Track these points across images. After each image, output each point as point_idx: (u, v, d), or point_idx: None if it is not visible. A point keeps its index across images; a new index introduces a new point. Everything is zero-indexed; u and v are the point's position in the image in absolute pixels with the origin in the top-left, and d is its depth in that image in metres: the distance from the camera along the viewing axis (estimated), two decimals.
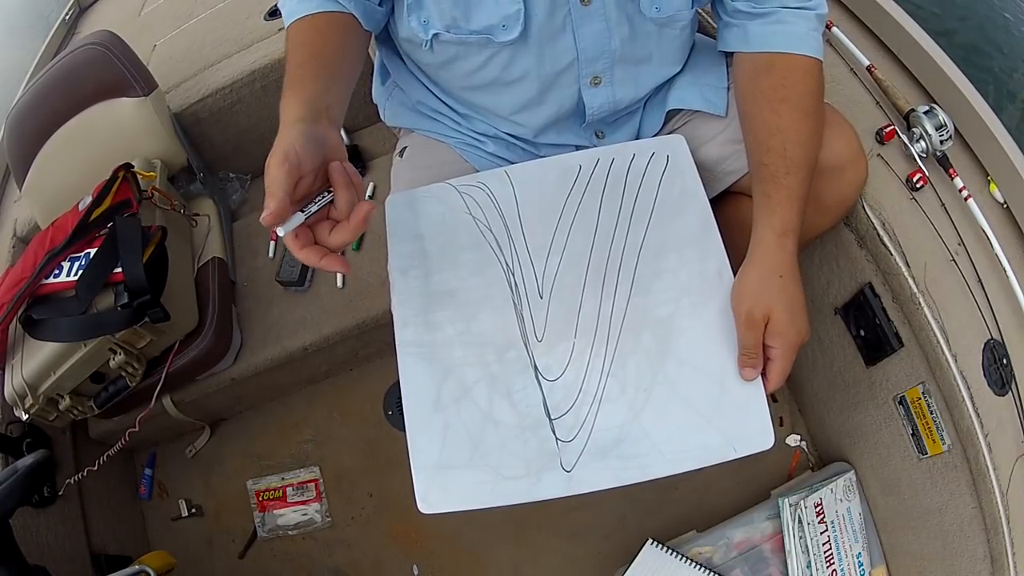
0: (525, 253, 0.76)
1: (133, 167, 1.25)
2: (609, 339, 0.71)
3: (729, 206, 0.90)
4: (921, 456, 0.95)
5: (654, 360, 0.70)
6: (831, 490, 1.08)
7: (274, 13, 1.51)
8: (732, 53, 0.83)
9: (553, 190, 0.80)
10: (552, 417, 0.68)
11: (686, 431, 0.67)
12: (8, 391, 1.17)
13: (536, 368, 0.70)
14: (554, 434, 0.67)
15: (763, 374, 0.69)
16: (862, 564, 1.05)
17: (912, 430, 0.95)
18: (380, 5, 0.78)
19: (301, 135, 0.60)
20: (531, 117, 0.86)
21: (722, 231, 0.76)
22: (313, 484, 1.43)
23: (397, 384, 0.72)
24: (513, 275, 0.75)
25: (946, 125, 0.88)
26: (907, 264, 0.86)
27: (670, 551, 1.06)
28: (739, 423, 0.67)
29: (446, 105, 0.92)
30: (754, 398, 0.68)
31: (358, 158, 1.49)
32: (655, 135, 0.92)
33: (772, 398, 1.26)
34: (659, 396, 0.68)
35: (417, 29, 0.76)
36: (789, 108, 0.74)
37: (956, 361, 0.82)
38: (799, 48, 0.76)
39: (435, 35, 0.76)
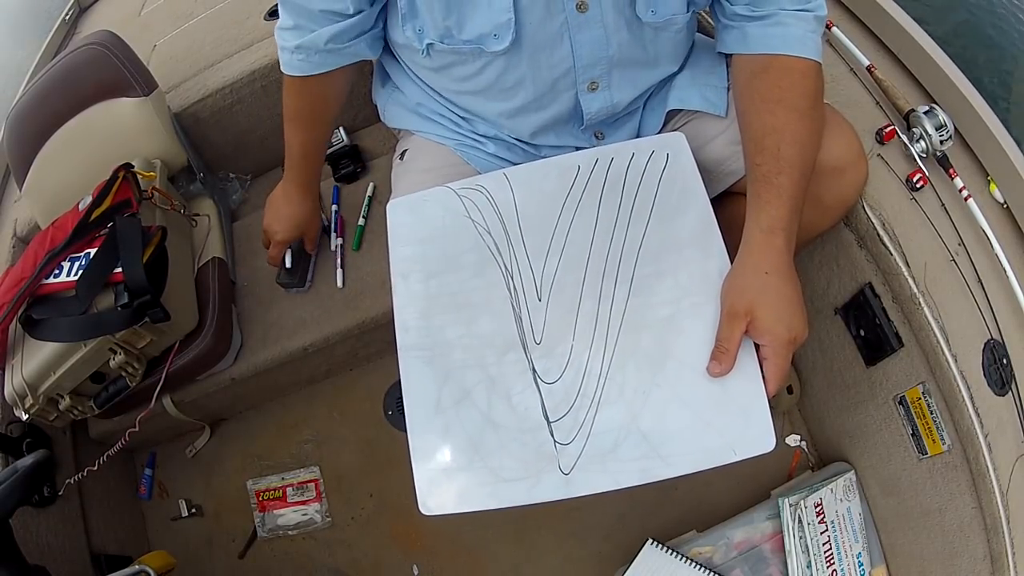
0: (524, 256, 0.76)
1: (133, 167, 1.25)
2: (608, 341, 0.70)
3: (730, 206, 0.90)
4: (921, 456, 0.95)
5: (653, 362, 0.69)
6: (831, 490, 1.08)
7: (274, 13, 1.51)
8: (731, 54, 0.83)
9: (552, 191, 0.80)
10: (550, 420, 0.68)
11: (686, 434, 0.66)
12: (8, 391, 1.17)
13: (534, 371, 0.70)
14: (552, 437, 0.67)
15: (763, 375, 0.68)
16: (862, 564, 1.05)
17: (912, 430, 0.96)
18: (372, 28, 0.83)
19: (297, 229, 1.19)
20: (529, 121, 0.86)
21: (722, 231, 0.76)
22: (313, 484, 1.43)
23: (397, 384, 0.72)
24: (512, 278, 0.75)
25: (946, 125, 0.88)
26: (907, 264, 0.86)
27: (670, 551, 1.06)
28: (740, 425, 0.66)
29: (446, 107, 0.92)
30: (755, 400, 0.66)
31: (358, 158, 1.49)
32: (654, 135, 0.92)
33: (788, 390, 1.25)
34: (658, 398, 0.67)
35: (412, 38, 0.77)
36: (785, 109, 0.74)
37: (956, 361, 0.82)
38: (796, 50, 0.76)
39: (429, 44, 0.77)
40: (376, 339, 1.40)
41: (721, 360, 0.67)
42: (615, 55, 0.79)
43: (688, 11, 0.79)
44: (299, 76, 0.87)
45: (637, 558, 1.06)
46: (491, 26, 0.73)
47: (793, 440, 1.26)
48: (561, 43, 0.76)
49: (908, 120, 0.92)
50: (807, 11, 0.77)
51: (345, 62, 0.85)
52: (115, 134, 1.33)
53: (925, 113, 0.89)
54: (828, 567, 1.04)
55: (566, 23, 0.74)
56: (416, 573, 1.31)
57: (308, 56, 0.84)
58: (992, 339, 0.83)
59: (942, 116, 0.88)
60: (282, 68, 0.88)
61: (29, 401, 1.15)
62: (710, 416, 0.66)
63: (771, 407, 0.67)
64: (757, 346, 0.69)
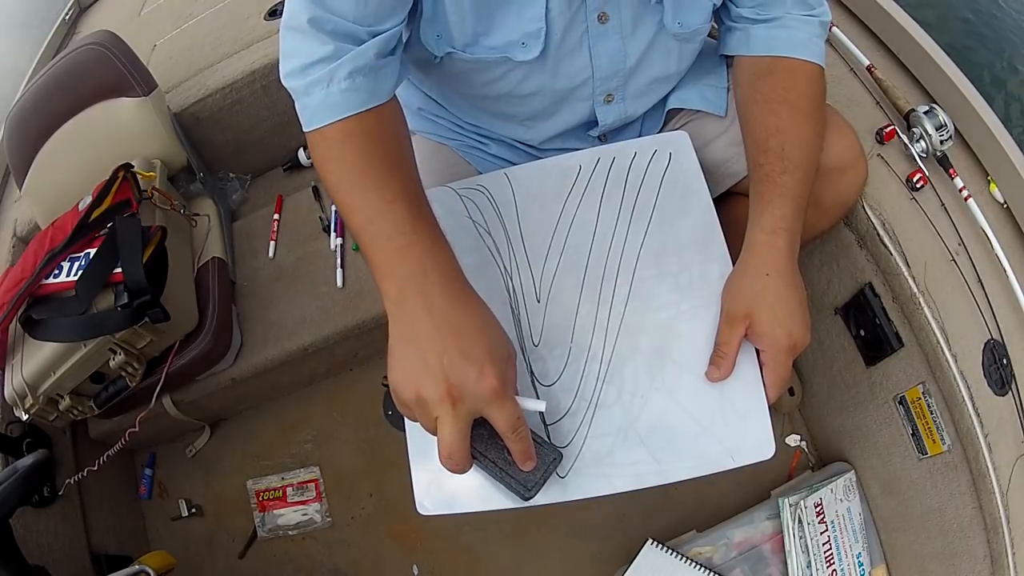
0: (523, 257, 0.75)
1: (133, 167, 1.25)
2: (606, 344, 0.69)
3: (731, 207, 0.90)
4: (921, 456, 0.95)
5: (652, 365, 0.68)
6: (831, 490, 1.08)
7: (274, 13, 1.51)
8: (732, 56, 0.82)
9: (553, 192, 0.79)
10: (547, 423, 0.67)
11: (683, 439, 0.65)
12: (8, 391, 1.17)
13: (532, 373, 0.69)
14: (549, 440, 0.66)
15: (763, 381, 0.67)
16: (862, 564, 1.05)
17: (912, 430, 0.95)
18: (393, 52, 0.68)
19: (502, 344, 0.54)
20: (540, 127, 0.86)
21: (723, 232, 0.75)
22: (313, 484, 1.43)
23: None
24: (511, 279, 0.74)
25: (946, 125, 0.88)
26: (907, 264, 0.86)
27: (670, 551, 1.06)
28: (739, 432, 0.65)
29: (450, 112, 0.92)
30: (755, 406, 0.65)
31: None
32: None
33: (790, 391, 1.25)
34: (656, 403, 0.66)
35: (430, 44, 0.73)
36: (789, 110, 0.74)
37: (956, 361, 0.82)
38: (801, 53, 0.75)
39: (448, 53, 0.73)
40: (376, 339, 1.40)
41: (719, 365, 0.66)
42: (632, 67, 0.78)
43: (710, 20, 0.78)
44: (353, 114, 0.62)
45: (637, 558, 1.06)
46: (520, 35, 0.70)
47: (793, 440, 1.26)
48: (580, 53, 0.75)
49: (908, 120, 0.92)
50: (813, 16, 0.76)
51: (389, 84, 0.66)
52: (115, 134, 1.34)
53: (925, 113, 0.89)
54: (828, 567, 1.04)
55: (587, 32, 0.73)
56: (416, 573, 1.31)
57: (363, 80, 0.62)
58: (992, 339, 0.83)
59: (942, 116, 0.88)
60: (316, 124, 0.63)
61: (29, 401, 1.15)
62: (708, 422, 0.65)
63: (772, 410, 0.66)
64: (758, 351, 0.68)
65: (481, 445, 0.58)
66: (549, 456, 0.61)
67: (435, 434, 0.54)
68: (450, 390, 0.51)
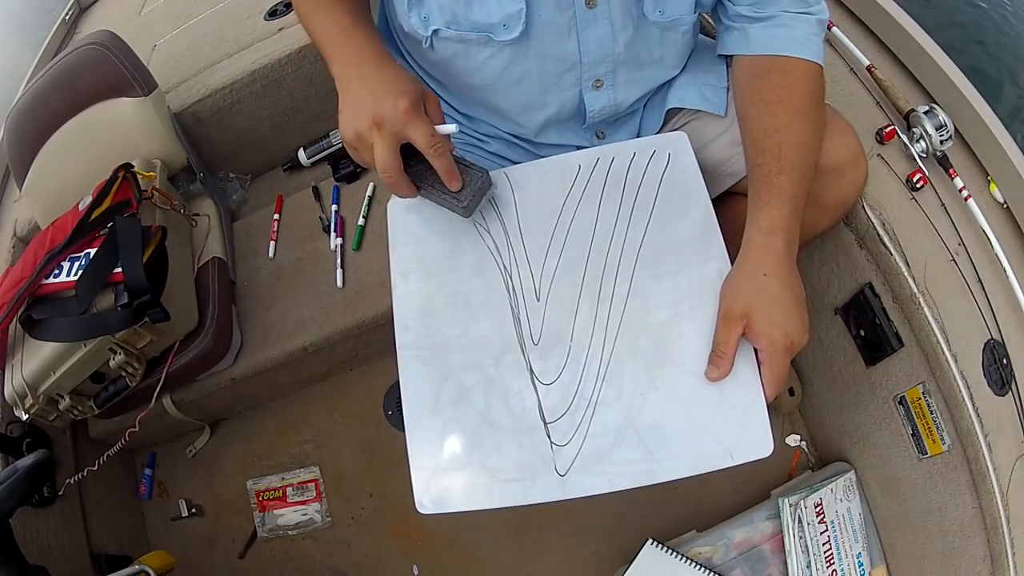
0: (523, 256, 0.76)
1: (133, 167, 1.25)
2: (605, 343, 0.70)
3: (730, 207, 0.90)
4: (921, 456, 0.95)
5: (651, 365, 0.68)
6: (831, 490, 1.08)
7: (274, 13, 1.51)
8: (732, 56, 0.83)
9: (552, 191, 0.80)
10: (547, 421, 0.67)
11: (682, 437, 0.65)
12: (8, 391, 1.17)
13: (532, 372, 0.70)
14: (549, 438, 0.67)
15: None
16: (862, 564, 1.05)
17: (912, 430, 0.95)
18: None
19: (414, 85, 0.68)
20: (532, 117, 0.86)
21: (723, 233, 0.75)
22: (313, 484, 1.43)
23: (397, 384, 0.72)
24: (511, 278, 0.75)
25: (946, 125, 0.88)
26: (907, 264, 0.86)
27: (670, 551, 1.06)
28: (737, 430, 0.65)
29: (449, 105, 0.92)
30: (753, 405, 0.66)
31: None
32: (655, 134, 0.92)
33: (790, 391, 1.25)
34: (655, 401, 0.67)
35: (417, 25, 0.76)
36: (786, 110, 0.74)
37: (956, 361, 0.82)
38: (798, 52, 0.76)
39: (435, 31, 0.75)
40: (376, 339, 1.40)
41: (718, 364, 0.66)
42: (621, 54, 0.79)
43: (695, 12, 0.79)
44: None
45: (637, 558, 1.06)
46: (501, 15, 0.72)
47: (793, 440, 1.26)
48: (568, 38, 0.76)
49: (908, 120, 0.92)
50: (810, 14, 0.77)
51: None
52: (115, 134, 1.34)
53: (925, 113, 0.89)
54: (828, 567, 1.03)
55: (574, 18, 0.74)
56: (416, 573, 1.31)
57: None
58: (992, 339, 0.83)
59: (942, 116, 0.88)
60: None
61: (29, 401, 1.15)
62: (707, 420, 0.66)
63: (771, 409, 0.66)
64: (756, 350, 0.68)
65: (419, 178, 0.73)
66: (479, 177, 0.74)
67: (375, 165, 0.69)
68: (375, 118, 0.66)
